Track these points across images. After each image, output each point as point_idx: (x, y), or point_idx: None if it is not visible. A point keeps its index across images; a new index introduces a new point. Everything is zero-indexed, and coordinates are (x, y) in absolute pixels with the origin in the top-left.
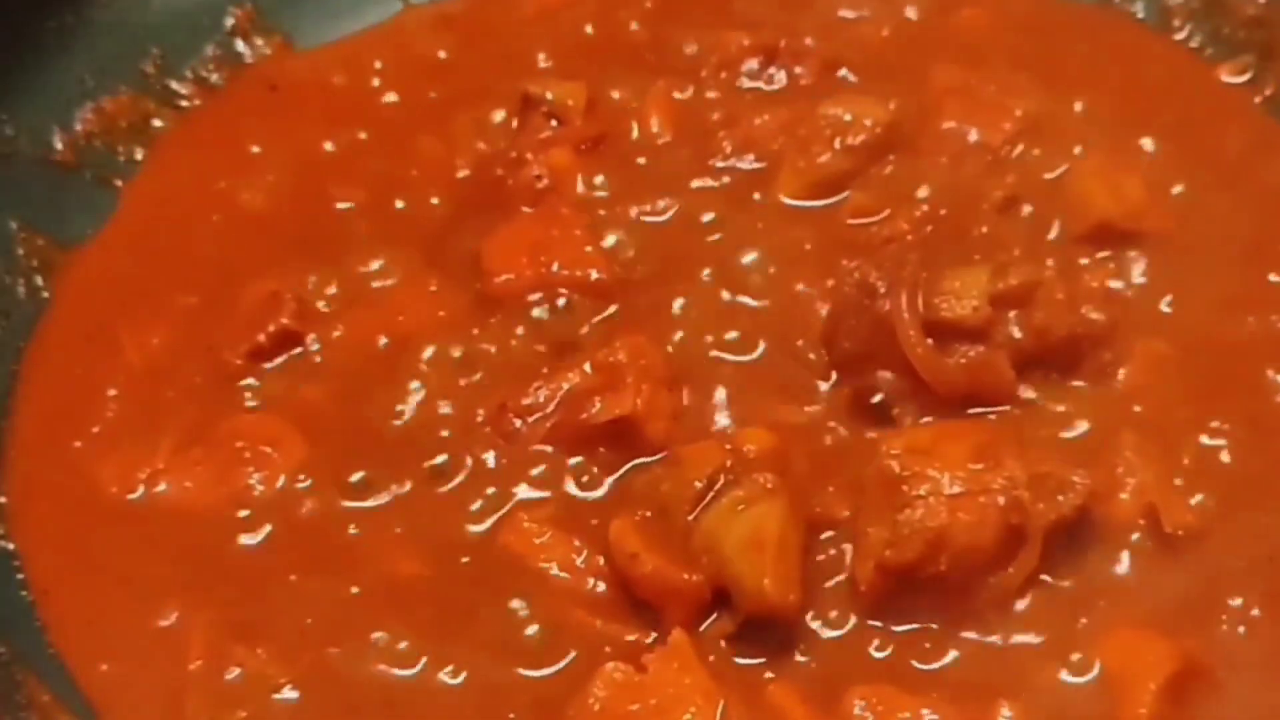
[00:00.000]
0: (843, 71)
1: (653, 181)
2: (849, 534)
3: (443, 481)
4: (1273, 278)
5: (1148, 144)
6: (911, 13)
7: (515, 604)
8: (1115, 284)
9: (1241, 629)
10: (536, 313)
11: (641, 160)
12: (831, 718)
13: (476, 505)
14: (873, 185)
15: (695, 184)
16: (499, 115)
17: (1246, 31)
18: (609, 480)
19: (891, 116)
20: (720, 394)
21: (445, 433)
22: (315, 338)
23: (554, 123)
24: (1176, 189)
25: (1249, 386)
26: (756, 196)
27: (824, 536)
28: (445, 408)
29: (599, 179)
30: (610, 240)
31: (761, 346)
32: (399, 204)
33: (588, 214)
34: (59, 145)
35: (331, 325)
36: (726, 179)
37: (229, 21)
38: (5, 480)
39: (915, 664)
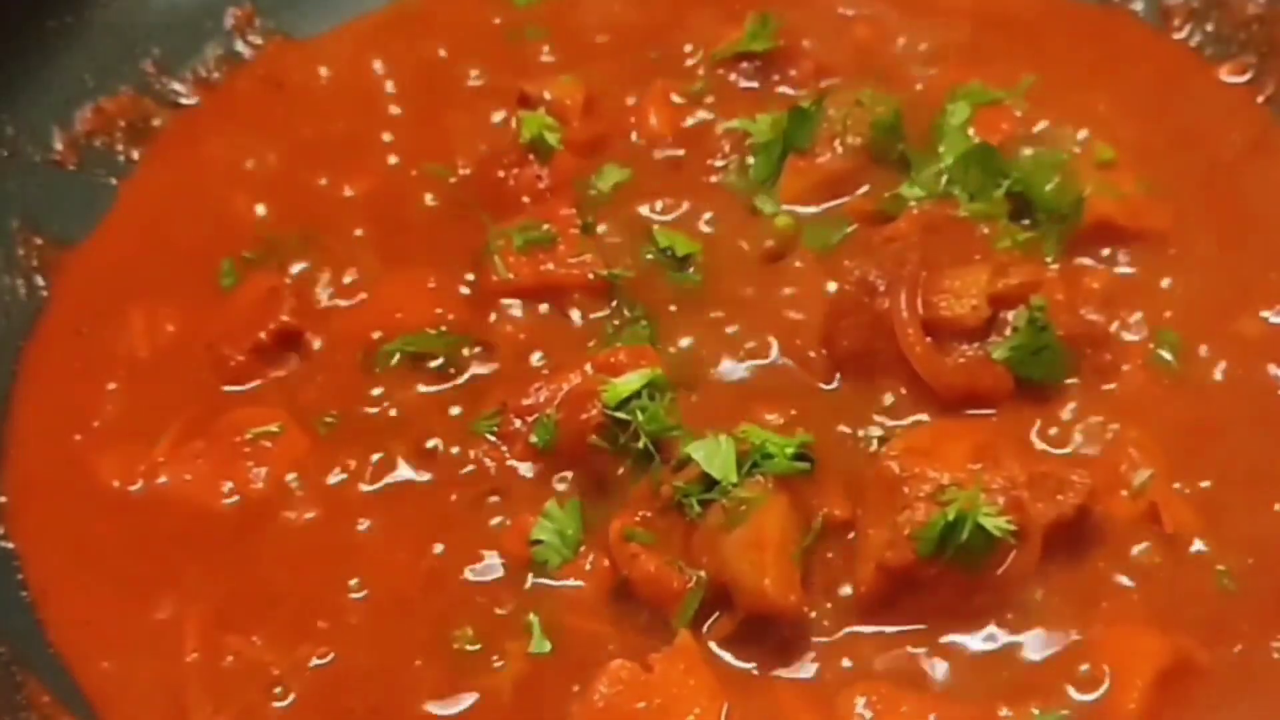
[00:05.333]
0: (841, 71)
1: (651, 181)
2: (849, 534)
3: (442, 479)
4: (1272, 277)
5: (1148, 144)
6: (910, 12)
7: (515, 602)
8: (1114, 284)
9: (1239, 628)
10: (535, 312)
11: (640, 160)
12: (832, 718)
13: (476, 504)
14: (872, 185)
15: (694, 183)
16: (499, 114)
17: (1246, 31)
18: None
19: (891, 117)
20: (721, 394)
21: (445, 432)
22: (314, 334)
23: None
24: (1176, 188)
25: (1249, 385)
26: (756, 196)
27: (825, 537)
28: (444, 407)
29: (598, 178)
30: (609, 240)
31: (761, 345)
32: (398, 202)
33: (587, 213)
34: (59, 145)
35: (330, 322)
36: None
37: (229, 21)
38: (5, 480)
39: (915, 664)
